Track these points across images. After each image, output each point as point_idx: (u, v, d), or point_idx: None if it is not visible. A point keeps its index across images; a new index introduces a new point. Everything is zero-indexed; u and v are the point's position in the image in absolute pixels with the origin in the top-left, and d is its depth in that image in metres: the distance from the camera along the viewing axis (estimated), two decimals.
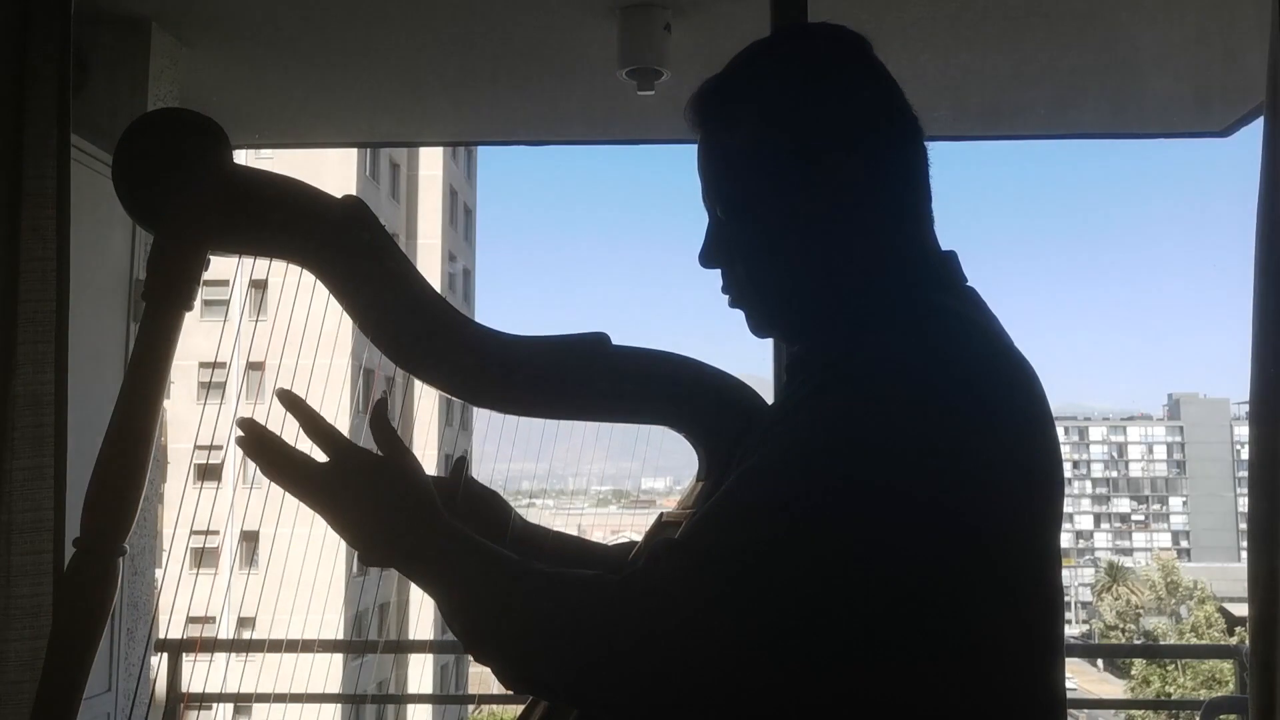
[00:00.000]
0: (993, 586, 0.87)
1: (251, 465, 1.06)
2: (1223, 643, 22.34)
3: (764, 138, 1.00)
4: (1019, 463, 0.89)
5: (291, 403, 1.01)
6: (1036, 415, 0.92)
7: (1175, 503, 78.02)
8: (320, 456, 1.02)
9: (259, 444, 1.00)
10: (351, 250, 1.13)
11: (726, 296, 1.05)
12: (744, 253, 1.02)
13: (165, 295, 1.12)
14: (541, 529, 1.25)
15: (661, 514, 1.19)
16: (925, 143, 1.03)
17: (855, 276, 0.99)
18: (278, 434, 1.02)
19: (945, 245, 1.04)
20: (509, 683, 0.93)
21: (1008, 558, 0.88)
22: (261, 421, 1.03)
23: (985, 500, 0.86)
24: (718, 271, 1.05)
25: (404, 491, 1.00)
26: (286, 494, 1.06)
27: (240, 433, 1.01)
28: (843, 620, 0.84)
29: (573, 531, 1.30)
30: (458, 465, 1.21)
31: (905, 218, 1.01)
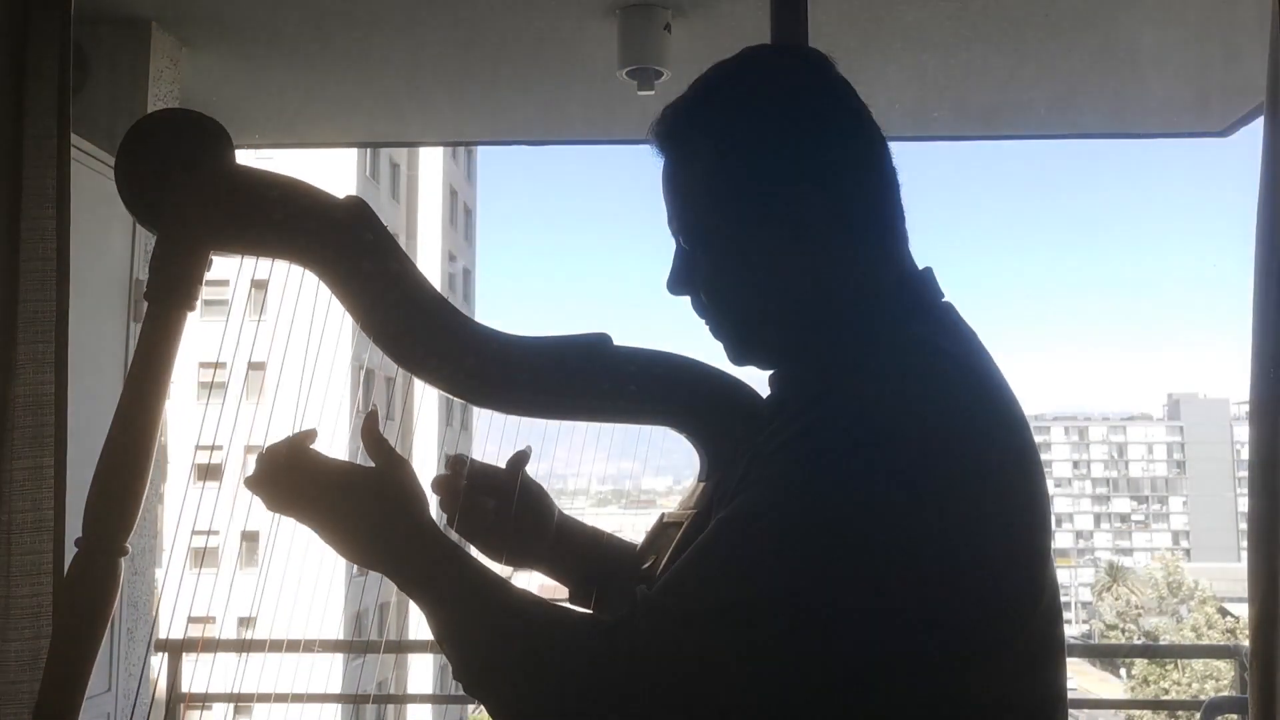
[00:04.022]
0: (989, 610, 0.87)
1: (251, 466, 1.06)
2: (1222, 643, 22.34)
3: (722, 168, 0.99)
4: (1003, 493, 0.89)
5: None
6: (1015, 439, 0.92)
7: (1175, 503, 77.98)
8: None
9: (264, 477, 1.03)
10: (353, 250, 1.13)
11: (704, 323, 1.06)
12: (706, 283, 1.02)
13: (168, 295, 1.12)
14: (579, 525, 1.27)
15: (663, 514, 1.19)
16: (893, 162, 1.02)
17: (823, 306, 0.99)
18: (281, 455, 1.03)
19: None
20: (495, 717, 0.94)
21: (1002, 583, 0.88)
22: (263, 426, 1.05)
23: (971, 533, 0.85)
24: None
25: (395, 510, 1.00)
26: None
27: (255, 467, 1.03)
28: (823, 669, 0.84)
29: None
30: (518, 458, 1.23)
31: (874, 241, 1.00)
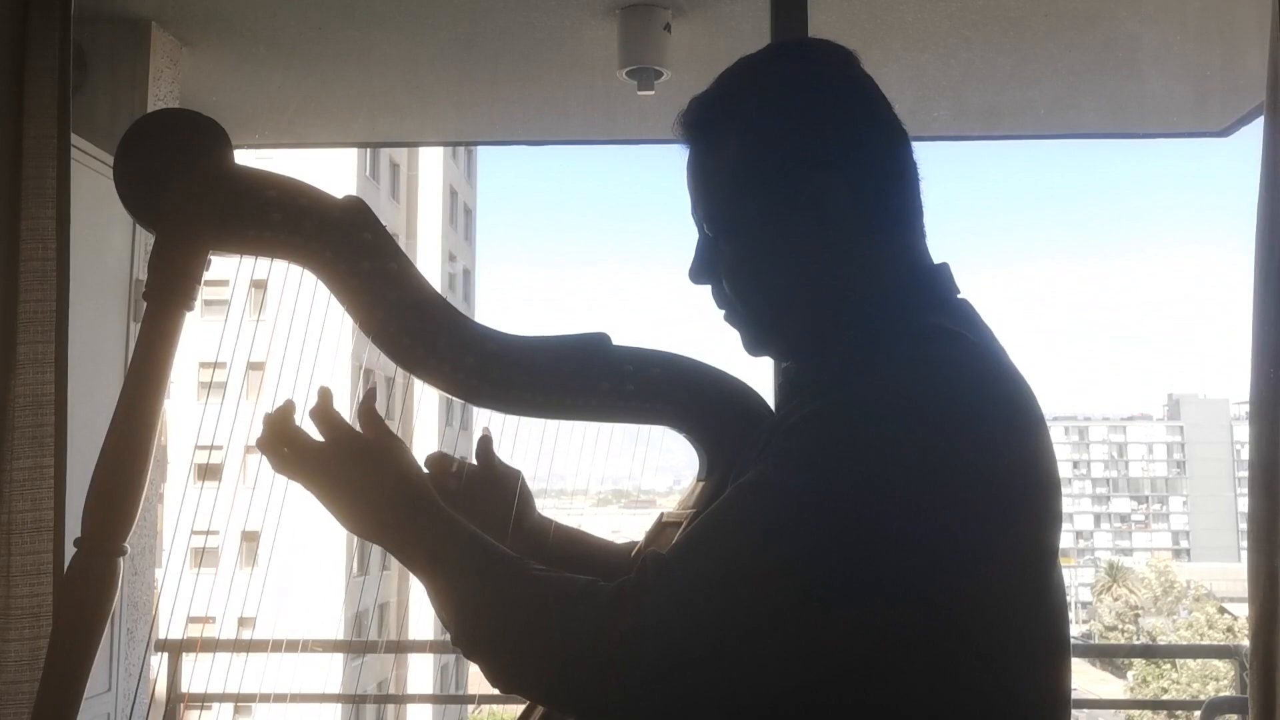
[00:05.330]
0: (997, 598, 0.88)
1: (251, 465, 1.06)
2: (1221, 643, 22.36)
3: (748, 158, 1.00)
4: (1017, 480, 0.89)
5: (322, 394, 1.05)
6: (1032, 429, 0.92)
7: (1175, 503, 77.93)
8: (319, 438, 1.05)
9: (273, 439, 1.04)
10: (352, 250, 1.14)
11: (721, 312, 1.06)
12: (730, 271, 1.03)
13: (166, 295, 1.12)
14: (550, 521, 1.27)
15: (662, 514, 1.19)
16: (915, 157, 1.03)
17: (844, 296, 1.00)
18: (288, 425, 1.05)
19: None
20: (493, 680, 0.94)
21: (1011, 572, 0.89)
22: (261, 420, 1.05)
23: (982, 518, 0.86)
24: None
25: (398, 479, 1.02)
26: (287, 492, 1.07)
27: (263, 429, 1.04)
28: (830, 646, 0.85)
29: None
30: (483, 444, 1.24)
31: (895, 234, 1.01)
